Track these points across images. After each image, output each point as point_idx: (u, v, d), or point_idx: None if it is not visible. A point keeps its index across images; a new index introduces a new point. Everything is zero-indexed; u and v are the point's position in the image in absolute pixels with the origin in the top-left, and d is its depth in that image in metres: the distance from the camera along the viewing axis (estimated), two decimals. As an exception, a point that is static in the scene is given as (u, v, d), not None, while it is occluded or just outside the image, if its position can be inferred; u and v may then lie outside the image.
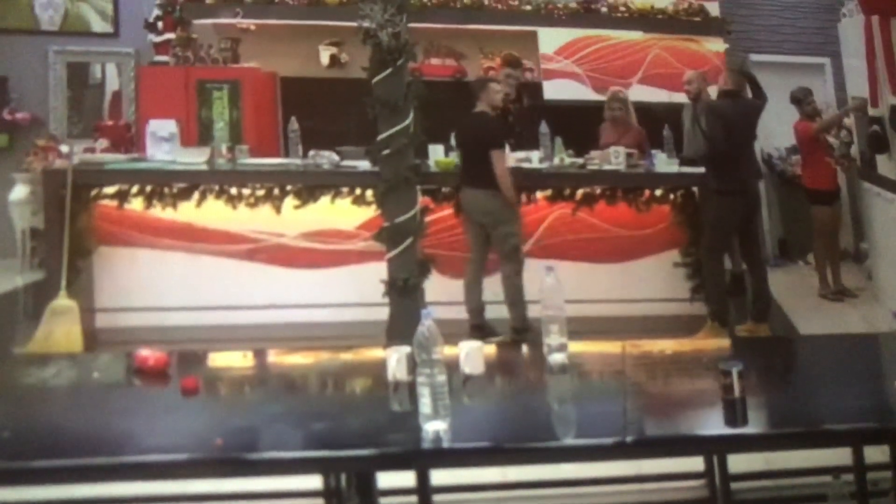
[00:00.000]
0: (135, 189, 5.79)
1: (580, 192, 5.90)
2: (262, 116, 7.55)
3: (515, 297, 5.53)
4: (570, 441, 2.52)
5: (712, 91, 6.24)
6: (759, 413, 2.56)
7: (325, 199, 5.81)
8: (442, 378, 2.38)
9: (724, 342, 4.74)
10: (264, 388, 3.21)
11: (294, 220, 5.87)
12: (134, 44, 8.04)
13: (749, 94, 5.93)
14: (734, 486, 3.23)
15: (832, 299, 6.58)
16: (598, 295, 5.63)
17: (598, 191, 5.90)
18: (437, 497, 2.98)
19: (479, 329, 5.47)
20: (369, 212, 5.75)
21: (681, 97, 6.70)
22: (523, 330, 5.43)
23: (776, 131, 7.95)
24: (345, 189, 5.81)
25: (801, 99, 6.89)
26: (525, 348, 4.42)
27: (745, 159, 5.86)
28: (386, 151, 5.26)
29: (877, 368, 3.14)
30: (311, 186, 5.82)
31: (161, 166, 5.94)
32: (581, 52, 7.82)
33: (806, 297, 6.74)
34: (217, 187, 5.81)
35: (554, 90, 7.57)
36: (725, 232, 5.70)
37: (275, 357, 3.59)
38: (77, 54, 8.20)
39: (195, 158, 6.01)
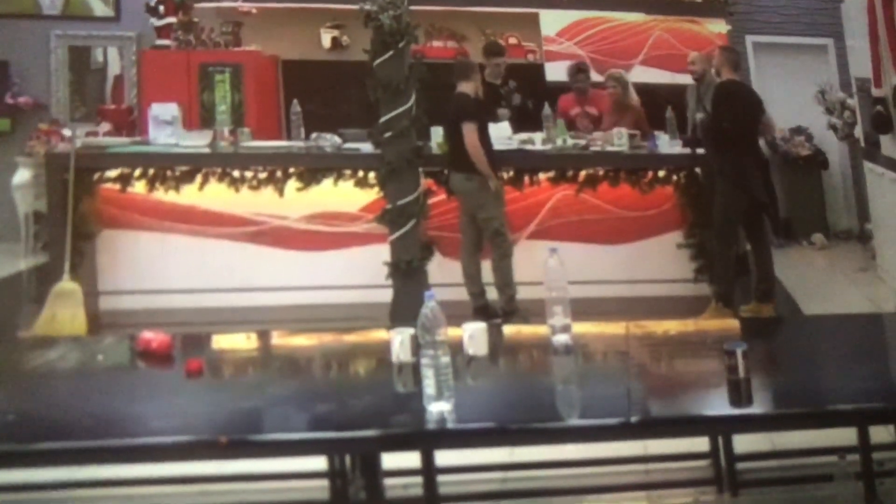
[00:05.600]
0: (137, 172, 5.79)
1: (583, 174, 5.88)
2: (264, 99, 7.56)
3: (502, 280, 5.53)
4: (574, 421, 2.52)
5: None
6: (764, 393, 2.56)
7: (327, 182, 5.80)
8: (446, 359, 2.39)
9: (729, 323, 4.73)
10: (268, 370, 3.21)
11: (297, 202, 5.87)
12: (135, 28, 8.04)
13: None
14: (739, 466, 3.25)
15: None
16: (602, 276, 5.64)
17: (601, 172, 5.88)
18: (441, 478, 2.98)
19: (483, 311, 5.47)
20: (372, 194, 5.75)
21: (683, 78, 6.70)
22: (511, 312, 5.44)
23: (780, 113, 7.92)
24: (347, 171, 5.80)
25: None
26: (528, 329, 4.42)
27: (755, 141, 5.85)
28: (388, 134, 5.27)
29: (881, 348, 3.16)
30: (313, 169, 5.82)
31: (163, 149, 5.94)
32: (583, 34, 7.81)
33: (810, 277, 6.74)
34: (219, 170, 5.81)
35: (556, 72, 7.54)
36: (736, 214, 5.67)
37: (278, 339, 3.60)
38: (79, 38, 8.19)
39: (197, 141, 6.02)
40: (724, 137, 5.54)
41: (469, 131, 5.41)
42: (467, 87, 5.55)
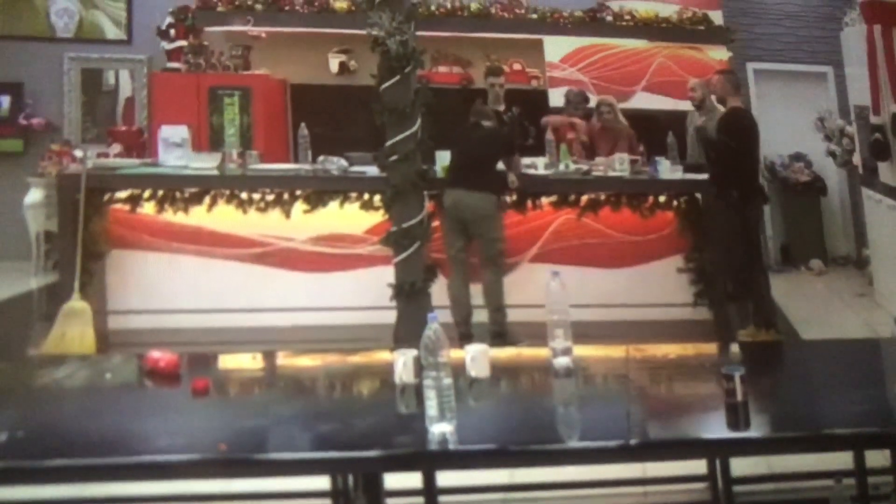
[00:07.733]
0: (147, 193, 5.85)
1: (585, 199, 5.94)
2: (273, 122, 7.63)
3: (499, 301, 5.57)
4: (574, 443, 2.55)
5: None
6: (762, 417, 2.57)
7: (333, 204, 5.87)
8: (448, 381, 2.42)
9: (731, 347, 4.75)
10: (273, 390, 3.24)
11: (303, 224, 5.92)
12: (147, 51, 8.13)
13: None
14: (736, 489, 3.26)
15: None
16: (603, 300, 5.66)
17: (603, 197, 5.94)
18: (443, 498, 3.01)
19: (468, 338, 5.44)
20: (377, 216, 5.79)
21: (685, 105, 6.75)
22: (503, 334, 5.47)
23: (778, 139, 7.99)
24: (353, 194, 5.87)
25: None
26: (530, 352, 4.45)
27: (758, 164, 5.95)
28: (394, 157, 5.31)
29: (878, 373, 3.16)
30: (320, 191, 5.88)
31: (173, 171, 6.00)
32: (586, 60, 7.88)
33: (807, 302, 6.77)
34: (228, 192, 5.87)
35: (560, 98, 7.61)
36: (757, 236, 5.72)
37: (284, 359, 3.62)
38: (91, 61, 8.28)
39: (206, 164, 6.08)
40: (736, 165, 5.62)
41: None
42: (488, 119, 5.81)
